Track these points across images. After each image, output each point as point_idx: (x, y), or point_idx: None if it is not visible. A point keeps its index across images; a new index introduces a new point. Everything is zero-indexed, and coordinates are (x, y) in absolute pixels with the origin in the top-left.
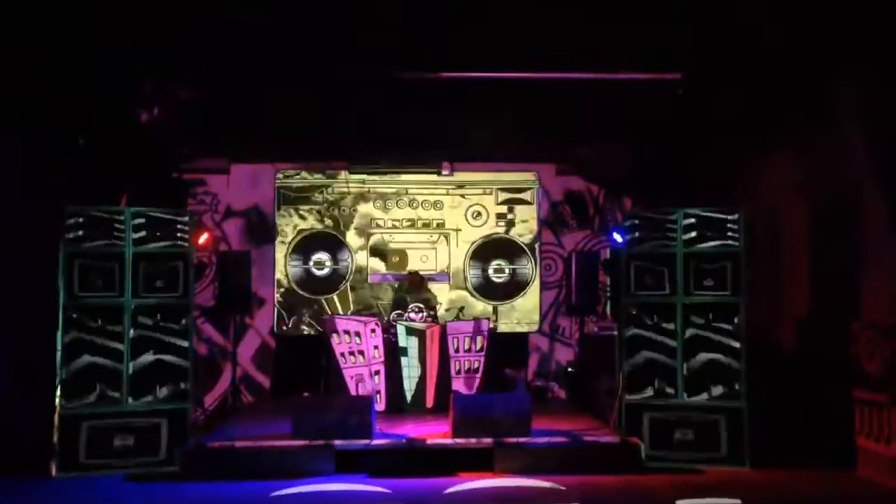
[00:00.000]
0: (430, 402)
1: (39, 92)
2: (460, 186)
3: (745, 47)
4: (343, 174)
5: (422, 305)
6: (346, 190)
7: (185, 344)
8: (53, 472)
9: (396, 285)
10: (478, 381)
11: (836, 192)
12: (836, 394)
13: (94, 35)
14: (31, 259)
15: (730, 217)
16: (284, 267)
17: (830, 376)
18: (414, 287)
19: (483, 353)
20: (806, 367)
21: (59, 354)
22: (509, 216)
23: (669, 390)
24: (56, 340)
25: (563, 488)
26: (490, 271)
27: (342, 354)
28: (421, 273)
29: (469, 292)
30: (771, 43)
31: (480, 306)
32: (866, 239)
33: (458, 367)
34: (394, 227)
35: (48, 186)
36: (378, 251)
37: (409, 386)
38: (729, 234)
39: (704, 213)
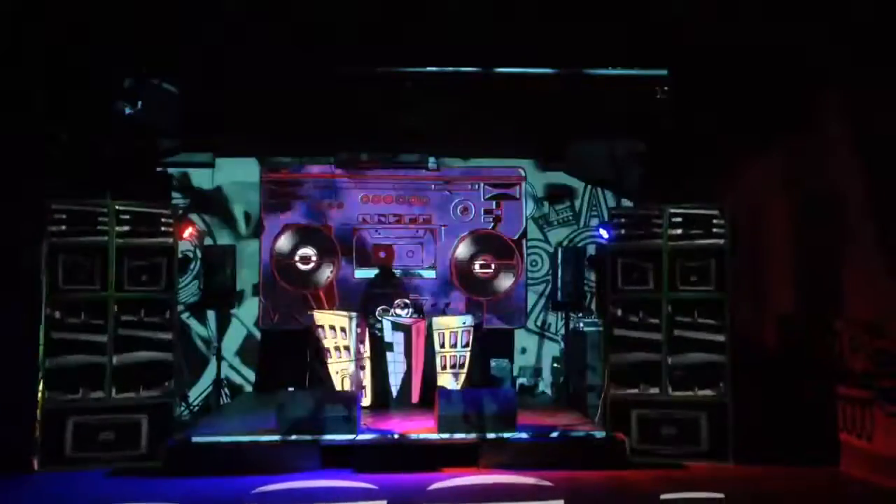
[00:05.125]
0: (415, 398)
1: (20, 87)
2: (447, 182)
3: (731, 47)
4: (329, 169)
5: (408, 301)
6: (331, 184)
7: (169, 338)
8: (35, 467)
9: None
10: (463, 376)
11: (821, 191)
12: (820, 390)
13: (77, 30)
14: (12, 254)
15: (715, 213)
16: (270, 261)
17: (814, 373)
18: (384, 278)
19: (469, 349)
20: (789, 364)
21: (41, 349)
22: (496, 212)
23: (654, 386)
24: (33, 334)
25: (548, 483)
26: (476, 267)
27: (328, 349)
28: (388, 265)
29: (455, 288)
30: (758, 43)
31: (467, 301)
32: (850, 237)
33: (443, 363)
34: (380, 222)
35: (29, 182)
36: (364, 246)
37: (395, 381)
38: (714, 230)
39: (690, 210)
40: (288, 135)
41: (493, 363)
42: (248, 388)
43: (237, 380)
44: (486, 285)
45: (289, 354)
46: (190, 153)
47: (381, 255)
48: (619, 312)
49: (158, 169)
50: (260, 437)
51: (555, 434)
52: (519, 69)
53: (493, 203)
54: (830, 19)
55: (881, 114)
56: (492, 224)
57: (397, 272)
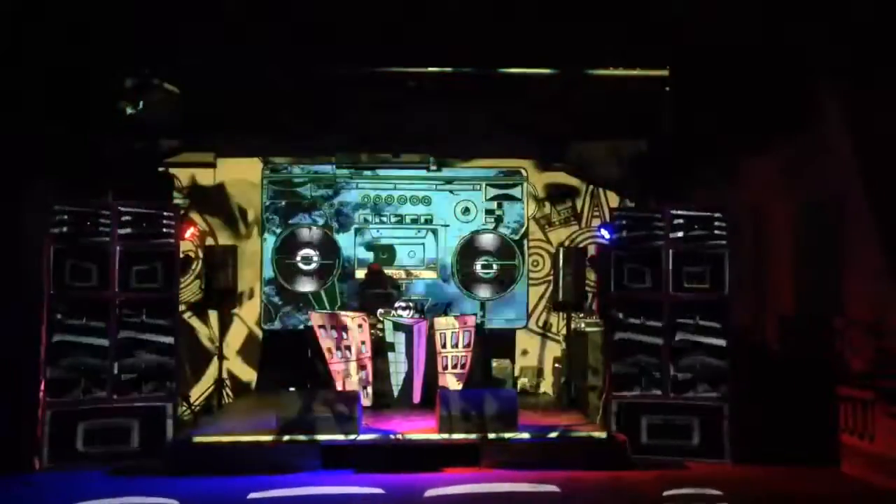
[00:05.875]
0: (416, 398)
1: (20, 87)
2: (449, 182)
3: (730, 48)
4: (331, 169)
5: (408, 301)
6: (333, 185)
7: (171, 338)
8: (37, 466)
9: (359, 283)
10: (464, 376)
11: (821, 192)
12: (820, 390)
13: (78, 29)
14: (14, 255)
15: (716, 215)
16: (271, 261)
17: (815, 373)
18: (372, 279)
19: (470, 349)
20: (790, 364)
21: (43, 349)
22: (497, 212)
23: (655, 386)
24: (35, 334)
25: (549, 483)
26: (478, 267)
27: (329, 349)
28: (378, 266)
29: (457, 288)
30: (759, 41)
31: (468, 302)
32: (850, 237)
33: (444, 363)
34: (381, 222)
35: (31, 182)
36: (365, 246)
37: (396, 381)
38: (715, 231)
39: (691, 211)
40: (289, 135)
41: (493, 363)
42: (250, 388)
43: (239, 379)
44: (488, 285)
45: (290, 354)
46: (191, 153)
47: (382, 255)
48: (621, 313)
49: (160, 169)
50: (261, 437)
51: (556, 434)
52: (520, 69)
53: (495, 203)
54: (830, 19)
55: (881, 114)
56: (493, 224)
57: (391, 274)
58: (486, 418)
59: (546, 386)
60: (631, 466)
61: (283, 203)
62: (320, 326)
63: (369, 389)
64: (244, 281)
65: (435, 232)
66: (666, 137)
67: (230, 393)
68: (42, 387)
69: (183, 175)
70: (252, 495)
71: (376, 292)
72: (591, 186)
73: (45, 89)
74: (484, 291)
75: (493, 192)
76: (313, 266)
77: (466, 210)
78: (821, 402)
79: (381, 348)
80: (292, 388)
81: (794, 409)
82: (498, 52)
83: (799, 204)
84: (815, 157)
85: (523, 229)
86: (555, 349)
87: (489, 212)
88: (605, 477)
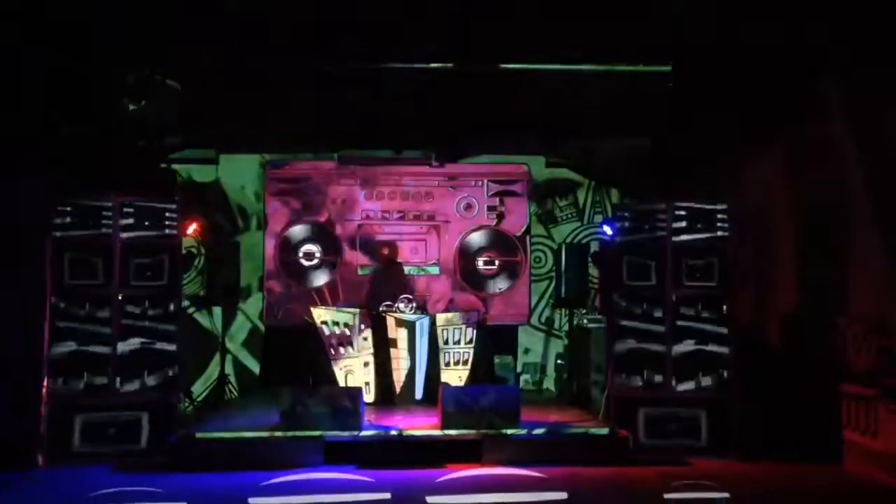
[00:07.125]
0: (419, 394)
1: (21, 86)
2: (451, 178)
3: (734, 44)
4: (333, 165)
5: (410, 297)
6: (335, 180)
7: (173, 334)
8: (40, 462)
9: (371, 276)
10: (467, 372)
11: (824, 188)
12: (823, 387)
13: (80, 25)
14: (17, 250)
15: (718, 209)
16: (273, 257)
17: (818, 370)
18: (387, 271)
19: (472, 345)
20: (793, 361)
21: (46, 344)
22: (500, 208)
23: (658, 382)
24: (38, 330)
25: (552, 479)
26: (480, 263)
27: (331, 345)
28: (392, 258)
29: (459, 284)
30: (760, 40)
31: (470, 298)
32: (853, 234)
33: (447, 359)
34: (384, 218)
35: (34, 179)
36: (368, 242)
37: (399, 377)
38: (718, 226)
39: (693, 206)
40: (291, 131)
41: (496, 359)
42: (253, 383)
43: (242, 374)
44: (490, 281)
45: (293, 350)
46: (193, 149)
47: (385, 251)
48: (623, 309)
49: (162, 165)
50: (263, 433)
51: (558, 430)
52: (522, 65)
53: (497, 199)
54: (830, 19)
55: (883, 112)
56: (495, 220)
57: (405, 268)
58: (488, 414)
59: (548, 382)
60: (633, 463)
61: (285, 199)
62: (323, 322)
63: (372, 386)
64: (246, 276)
65: (437, 228)
66: (669, 134)
67: (233, 388)
68: (45, 383)
69: (185, 171)
70: (252, 500)
71: (388, 287)
72: (593, 182)
73: (45, 87)
74: (486, 288)
75: (495, 187)
76: (315, 262)
77: (469, 206)
78: (824, 399)
79: (383, 344)
80: (295, 384)
81: (797, 405)
82: (500, 49)
83: (802, 202)
84: (817, 155)
85: (525, 225)
86: (557, 345)
87: (491, 208)
88: (608, 473)
